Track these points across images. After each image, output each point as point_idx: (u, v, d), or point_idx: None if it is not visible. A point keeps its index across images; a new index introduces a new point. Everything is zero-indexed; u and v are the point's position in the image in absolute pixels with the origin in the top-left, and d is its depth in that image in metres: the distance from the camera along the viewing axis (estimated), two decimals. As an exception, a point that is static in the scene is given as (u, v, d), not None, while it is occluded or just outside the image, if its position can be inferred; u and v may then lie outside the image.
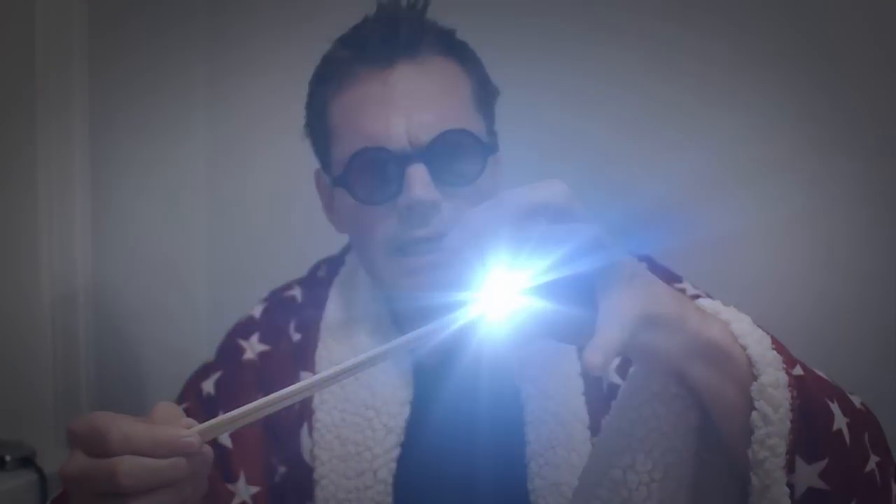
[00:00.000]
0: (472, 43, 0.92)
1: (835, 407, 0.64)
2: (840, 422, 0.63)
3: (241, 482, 0.90)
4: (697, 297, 0.88)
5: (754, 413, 0.61)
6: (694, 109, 1.16)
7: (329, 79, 0.89)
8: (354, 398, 0.91)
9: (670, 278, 0.96)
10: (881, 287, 1.09)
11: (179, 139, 1.38)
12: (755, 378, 0.61)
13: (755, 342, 0.63)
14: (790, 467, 0.61)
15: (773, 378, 0.61)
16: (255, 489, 0.91)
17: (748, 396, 0.61)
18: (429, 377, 0.94)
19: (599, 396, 0.87)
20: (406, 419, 0.91)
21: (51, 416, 1.23)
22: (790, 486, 0.61)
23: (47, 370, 1.22)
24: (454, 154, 0.85)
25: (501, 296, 0.60)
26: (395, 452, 0.89)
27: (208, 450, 0.60)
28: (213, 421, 0.61)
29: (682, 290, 0.94)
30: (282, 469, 0.92)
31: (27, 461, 1.10)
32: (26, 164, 1.15)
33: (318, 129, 0.91)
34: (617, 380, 0.86)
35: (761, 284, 1.02)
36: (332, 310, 0.97)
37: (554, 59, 1.20)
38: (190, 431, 0.59)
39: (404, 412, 0.91)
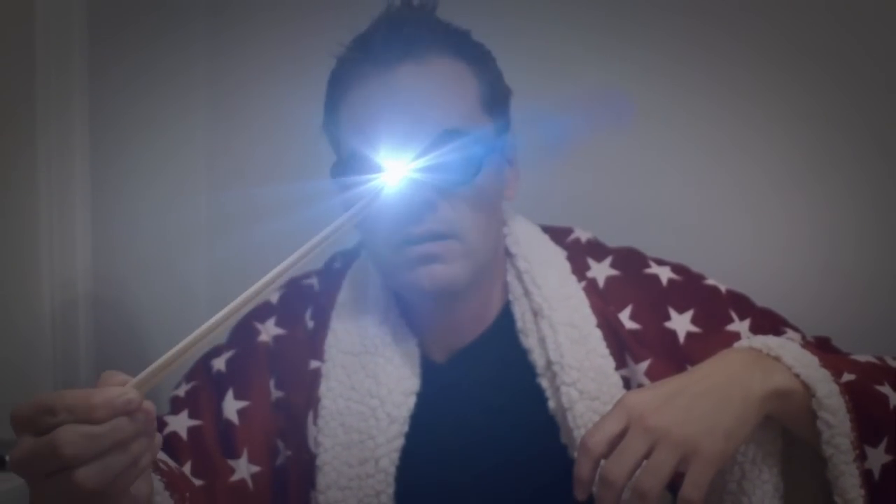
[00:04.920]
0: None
1: (886, 389, 0.78)
2: (895, 399, 0.78)
3: (243, 459, 0.90)
4: (702, 280, 0.96)
5: (818, 421, 0.76)
6: (695, 109, 1.16)
7: (340, 79, 0.91)
8: (360, 387, 0.91)
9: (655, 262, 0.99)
10: (882, 287, 1.10)
11: (179, 139, 1.38)
12: (813, 395, 0.76)
13: (805, 366, 0.78)
14: (862, 458, 0.76)
15: (826, 391, 0.76)
16: (256, 468, 0.91)
17: (812, 409, 0.76)
18: (438, 371, 0.94)
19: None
20: (411, 410, 0.91)
21: (51, 416, 1.23)
22: (869, 472, 0.75)
23: (47, 370, 1.22)
24: (451, 154, 0.86)
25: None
26: (399, 442, 0.90)
27: (150, 405, 0.59)
28: (146, 371, 0.59)
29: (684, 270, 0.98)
30: (288, 453, 0.92)
31: (27, 461, 1.10)
32: (26, 164, 1.15)
33: (332, 127, 0.93)
34: (645, 381, 0.88)
35: (762, 283, 1.02)
36: (343, 299, 0.98)
37: (560, 59, 1.20)
38: (125, 388, 0.57)
39: (409, 403, 0.91)
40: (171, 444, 0.90)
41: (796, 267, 1.14)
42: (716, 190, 1.18)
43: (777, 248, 1.15)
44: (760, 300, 0.98)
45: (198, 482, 0.88)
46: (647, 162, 1.20)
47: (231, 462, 0.90)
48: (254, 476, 0.91)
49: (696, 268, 1.00)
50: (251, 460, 0.91)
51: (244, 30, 1.38)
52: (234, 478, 0.90)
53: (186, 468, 0.88)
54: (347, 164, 0.88)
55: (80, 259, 1.22)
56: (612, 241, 1.03)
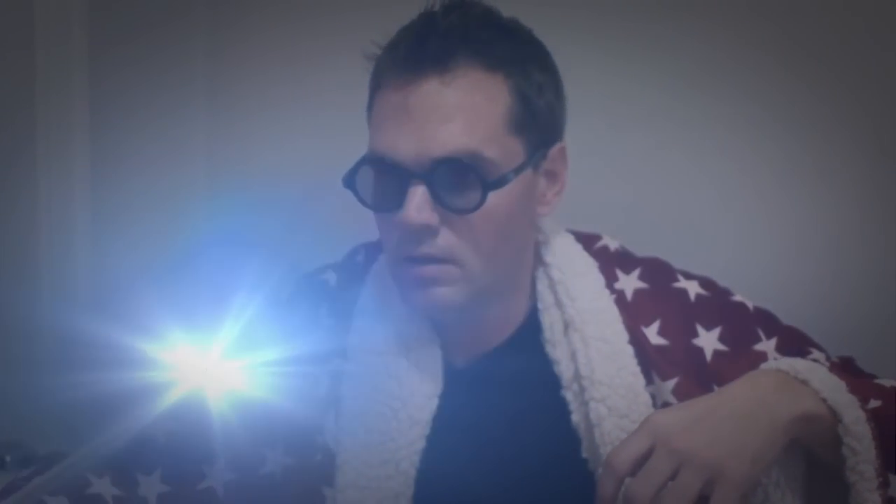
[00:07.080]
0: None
1: None
2: None
3: (218, 467, 0.90)
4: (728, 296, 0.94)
5: (843, 447, 0.75)
6: (697, 109, 1.16)
7: (374, 80, 0.88)
8: (382, 388, 0.90)
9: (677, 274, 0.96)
10: (883, 287, 1.09)
11: (179, 140, 1.37)
12: (839, 421, 0.75)
13: (832, 391, 0.77)
14: (885, 485, 0.75)
15: (853, 417, 0.75)
16: (230, 476, 0.90)
17: (838, 434, 0.75)
18: (460, 375, 0.93)
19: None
20: (433, 413, 0.90)
21: (51, 416, 1.23)
22: (892, 500, 0.75)
23: (47, 373, 1.22)
24: (456, 180, 0.83)
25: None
26: (420, 445, 0.89)
27: None
28: None
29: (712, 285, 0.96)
30: (288, 461, 0.91)
31: (27, 461, 1.10)
32: (26, 164, 1.15)
33: (368, 122, 0.90)
34: (672, 399, 0.87)
35: (764, 285, 1.02)
36: (368, 295, 0.96)
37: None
38: None
39: (431, 406, 0.90)
40: (146, 450, 0.89)
41: (804, 272, 1.13)
42: (721, 193, 1.17)
43: (784, 253, 1.14)
44: (769, 304, 0.98)
45: (164, 488, 0.88)
46: (652, 163, 1.19)
47: (204, 467, 0.90)
48: (226, 485, 0.90)
49: (703, 273, 0.99)
50: (228, 467, 0.90)
51: (244, 29, 1.38)
52: (201, 486, 0.89)
53: (155, 476, 0.88)
54: (356, 170, 0.85)
55: (80, 259, 1.22)
56: (628, 247, 1.02)
